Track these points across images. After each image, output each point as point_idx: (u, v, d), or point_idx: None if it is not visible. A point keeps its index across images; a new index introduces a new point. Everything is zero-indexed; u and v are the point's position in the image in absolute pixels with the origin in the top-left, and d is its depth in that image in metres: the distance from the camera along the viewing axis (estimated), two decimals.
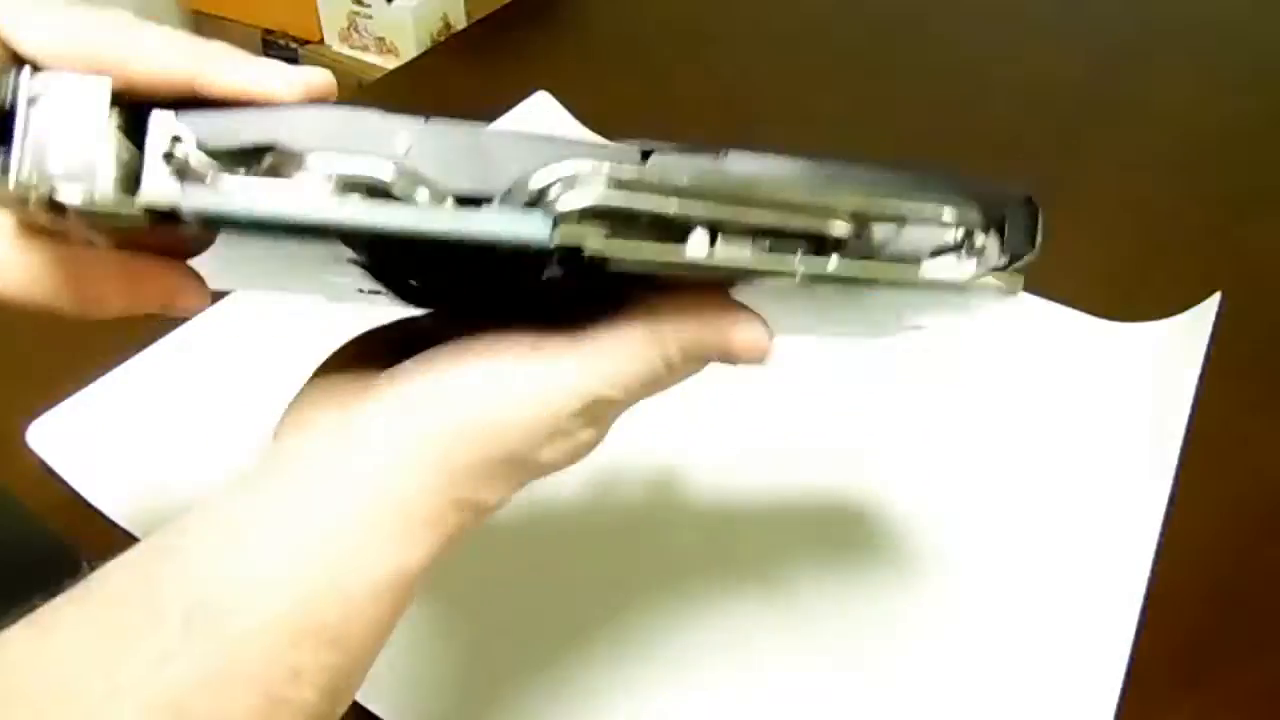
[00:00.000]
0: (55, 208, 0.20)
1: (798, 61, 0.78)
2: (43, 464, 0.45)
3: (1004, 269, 0.29)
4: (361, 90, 0.82)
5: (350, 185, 0.22)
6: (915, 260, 0.26)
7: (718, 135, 0.70)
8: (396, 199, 0.22)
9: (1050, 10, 0.86)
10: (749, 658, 0.40)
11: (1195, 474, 0.45)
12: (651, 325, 0.25)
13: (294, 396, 0.26)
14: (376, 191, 0.22)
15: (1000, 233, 0.29)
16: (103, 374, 0.49)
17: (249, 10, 1.40)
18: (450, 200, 0.22)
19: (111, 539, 0.43)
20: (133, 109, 0.22)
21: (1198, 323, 0.52)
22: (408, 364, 0.25)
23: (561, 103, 0.69)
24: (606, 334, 0.25)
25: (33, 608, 0.22)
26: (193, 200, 0.21)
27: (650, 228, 0.23)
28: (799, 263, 0.24)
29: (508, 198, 0.22)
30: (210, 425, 0.48)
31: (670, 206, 0.23)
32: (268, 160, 0.22)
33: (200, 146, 0.21)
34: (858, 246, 0.25)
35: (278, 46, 1.40)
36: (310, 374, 0.27)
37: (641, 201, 0.23)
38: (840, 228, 0.25)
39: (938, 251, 0.27)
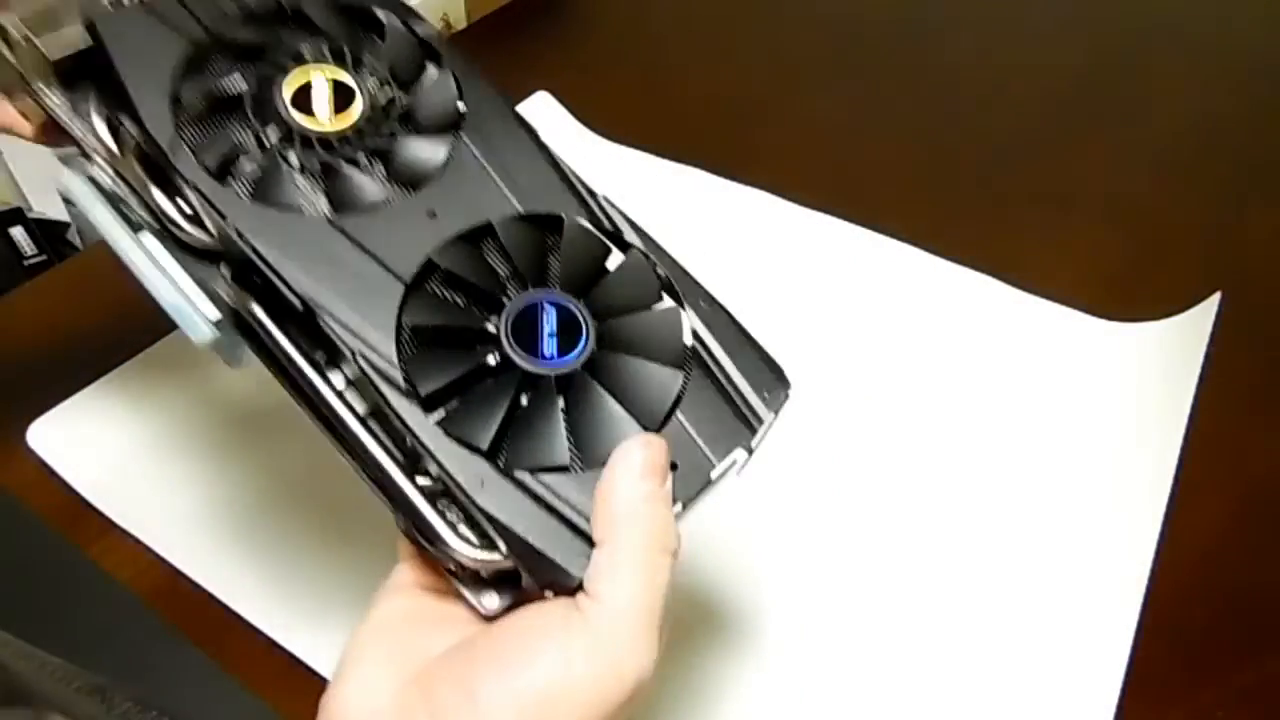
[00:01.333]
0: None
1: (798, 62, 0.78)
2: (43, 464, 0.45)
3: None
4: None
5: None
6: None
7: (718, 134, 0.70)
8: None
9: (1049, 11, 0.86)
10: (746, 657, 0.40)
11: (1195, 474, 0.45)
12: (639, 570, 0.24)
13: (354, 656, 0.26)
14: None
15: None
16: (102, 375, 0.49)
17: None
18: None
19: (111, 539, 0.43)
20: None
21: (1198, 323, 0.52)
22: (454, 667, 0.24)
23: (561, 103, 0.69)
24: (616, 612, 0.24)
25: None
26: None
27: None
28: None
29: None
30: (210, 425, 0.48)
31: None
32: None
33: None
34: None
35: None
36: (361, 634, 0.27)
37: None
38: None
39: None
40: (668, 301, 0.28)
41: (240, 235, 0.26)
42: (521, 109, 0.69)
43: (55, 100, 0.29)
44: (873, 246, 0.59)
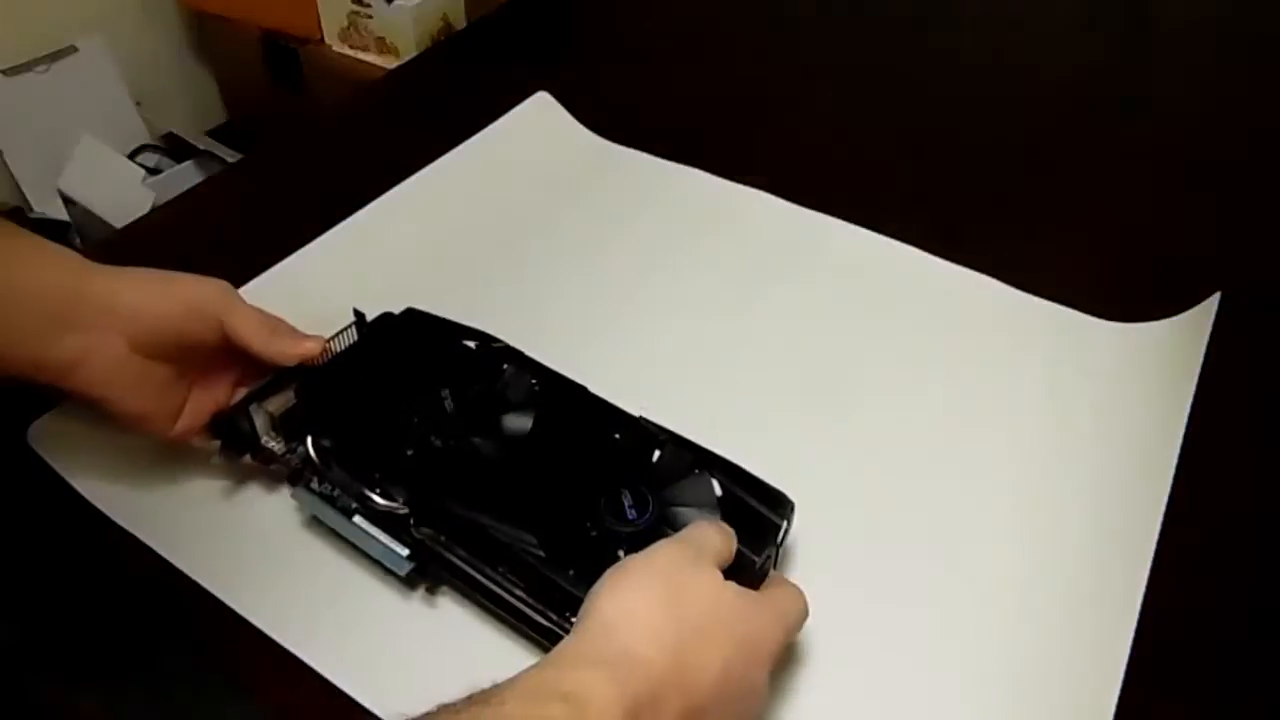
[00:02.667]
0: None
1: (797, 62, 0.78)
2: (43, 464, 0.45)
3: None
4: (361, 90, 0.82)
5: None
6: None
7: (717, 135, 0.70)
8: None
9: (1050, 13, 0.86)
10: None
11: (1195, 473, 0.45)
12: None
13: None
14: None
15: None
16: None
17: (249, 10, 1.40)
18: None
19: (112, 539, 0.43)
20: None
21: (1198, 323, 0.52)
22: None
23: (561, 103, 0.69)
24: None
25: None
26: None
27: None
28: None
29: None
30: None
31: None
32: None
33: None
34: None
35: (277, 46, 1.40)
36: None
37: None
38: None
39: None
40: (699, 472, 0.41)
41: (426, 493, 0.40)
42: (521, 109, 0.70)
43: (276, 445, 0.43)
44: (873, 246, 0.59)
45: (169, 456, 0.46)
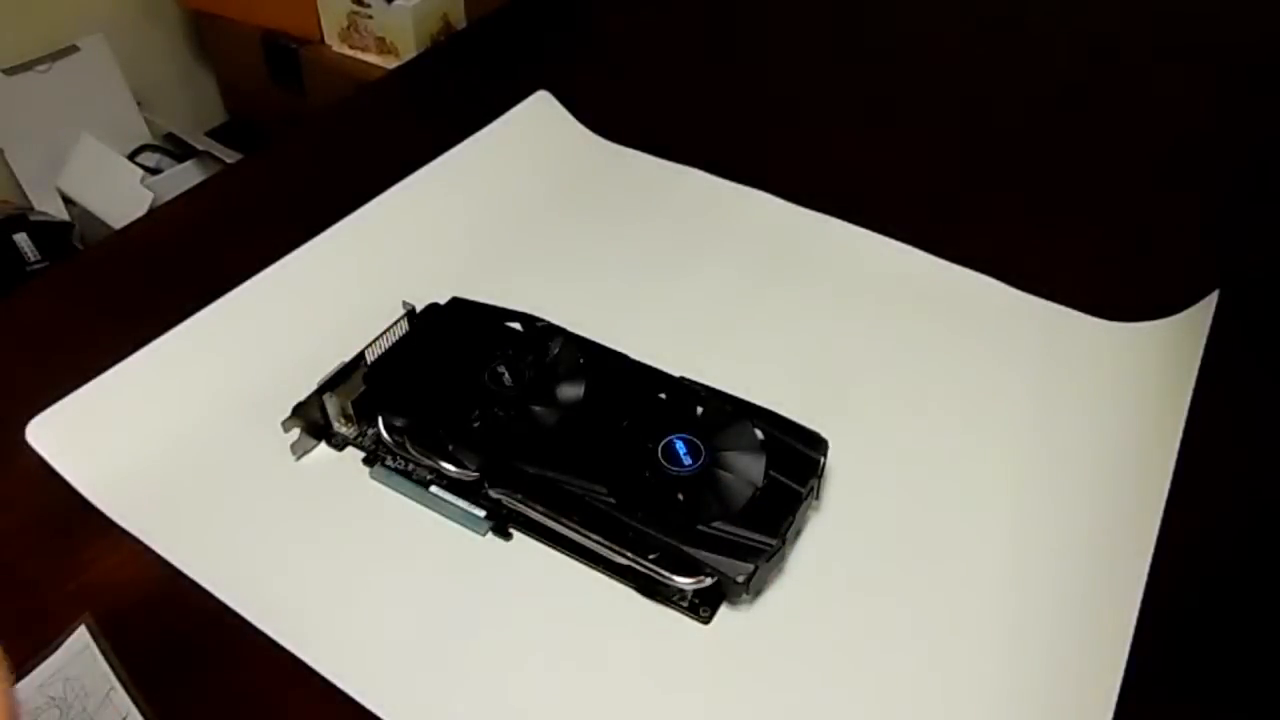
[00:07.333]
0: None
1: (798, 63, 0.78)
2: (42, 463, 0.45)
3: None
4: (361, 90, 0.82)
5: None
6: None
7: (718, 135, 0.70)
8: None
9: (1049, 12, 0.86)
10: (743, 660, 0.40)
11: (1193, 473, 0.45)
12: None
13: None
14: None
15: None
16: (102, 373, 0.49)
17: (249, 10, 1.40)
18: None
19: (111, 539, 0.43)
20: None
21: (1196, 322, 0.52)
22: None
23: (561, 103, 0.69)
24: None
25: None
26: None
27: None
28: None
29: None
30: (210, 424, 0.48)
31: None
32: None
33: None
34: None
35: (277, 46, 1.40)
36: None
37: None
38: None
39: None
40: (741, 420, 0.44)
41: (496, 458, 0.44)
42: (521, 109, 0.70)
43: (348, 430, 0.48)
44: (873, 247, 0.59)
45: (169, 456, 0.47)
